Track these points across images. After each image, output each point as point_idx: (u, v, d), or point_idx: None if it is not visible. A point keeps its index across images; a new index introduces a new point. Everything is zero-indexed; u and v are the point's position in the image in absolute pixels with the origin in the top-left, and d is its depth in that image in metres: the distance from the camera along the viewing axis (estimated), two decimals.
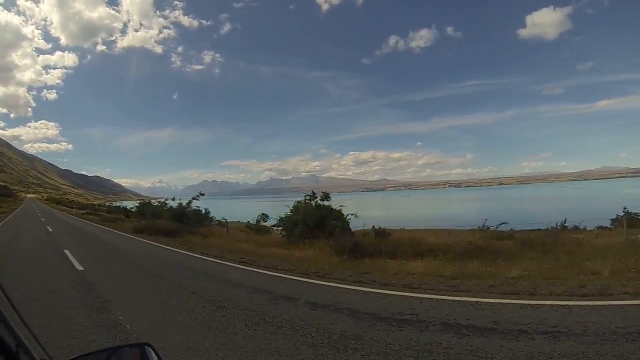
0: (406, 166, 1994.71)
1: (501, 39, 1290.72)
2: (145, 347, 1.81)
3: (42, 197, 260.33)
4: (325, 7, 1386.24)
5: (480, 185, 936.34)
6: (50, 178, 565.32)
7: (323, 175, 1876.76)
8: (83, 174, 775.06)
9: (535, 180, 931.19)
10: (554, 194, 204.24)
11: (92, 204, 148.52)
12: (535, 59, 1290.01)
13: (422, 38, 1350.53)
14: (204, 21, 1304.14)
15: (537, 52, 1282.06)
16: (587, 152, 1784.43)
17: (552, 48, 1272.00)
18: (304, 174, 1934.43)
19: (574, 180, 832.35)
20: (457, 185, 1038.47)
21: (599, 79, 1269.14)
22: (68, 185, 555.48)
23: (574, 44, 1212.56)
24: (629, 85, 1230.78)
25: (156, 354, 1.79)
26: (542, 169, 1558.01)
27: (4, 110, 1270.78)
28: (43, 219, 43.32)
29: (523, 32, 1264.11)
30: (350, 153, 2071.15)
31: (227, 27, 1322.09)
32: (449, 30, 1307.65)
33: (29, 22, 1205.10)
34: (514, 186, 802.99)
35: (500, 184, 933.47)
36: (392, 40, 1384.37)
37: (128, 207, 60.29)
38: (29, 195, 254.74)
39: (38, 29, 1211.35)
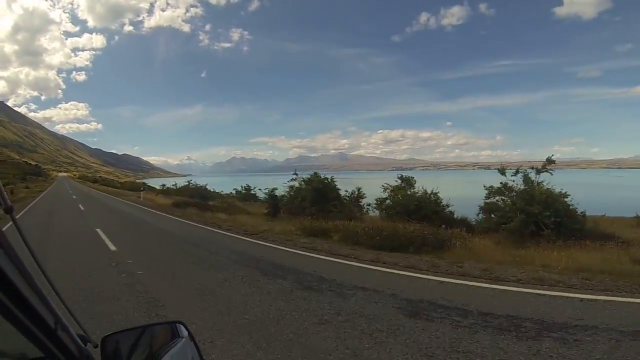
0: (434, 146, 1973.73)
1: (536, 17, 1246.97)
2: (177, 324, 1.87)
3: (75, 175, 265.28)
4: None
5: (510, 169, 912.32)
6: (81, 157, 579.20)
7: (352, 153, 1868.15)
8: (113, 153, 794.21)
9: (567, 166, 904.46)
10: (597, 181, 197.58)
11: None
12: (571, 40, 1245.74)
13: (453, 15, 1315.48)
14: None
15: (573, 32, 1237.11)
16: (621, 139, 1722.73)
17: (589, 28, 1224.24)
18: (332, 151, 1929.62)
19: (607, 167, 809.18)
20: (487, 167, 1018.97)
21: (638, 62, 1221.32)
22: (98, 164, 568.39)
23: (613, 24, 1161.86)
24: None
25: (188, 331, 1.85)
26: (574, 154, 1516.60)
27: (35, 93, 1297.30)
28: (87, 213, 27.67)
29: (560, 11, 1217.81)
30: (379, 131, 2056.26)
31: (255, 4, 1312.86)
32: (482, 7, 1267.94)
33: (56, 6, 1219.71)
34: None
35: (531, 168, 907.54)
36: (423, 17, 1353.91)
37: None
38: (60, 174, 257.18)
39: (65, 13, 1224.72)
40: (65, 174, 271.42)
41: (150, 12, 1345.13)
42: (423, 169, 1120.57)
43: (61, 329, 1.06)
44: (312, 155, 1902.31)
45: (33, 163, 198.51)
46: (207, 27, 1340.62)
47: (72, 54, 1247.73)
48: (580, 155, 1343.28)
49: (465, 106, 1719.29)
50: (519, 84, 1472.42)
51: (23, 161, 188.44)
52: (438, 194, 18.39)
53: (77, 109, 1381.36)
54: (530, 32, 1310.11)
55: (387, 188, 20.73)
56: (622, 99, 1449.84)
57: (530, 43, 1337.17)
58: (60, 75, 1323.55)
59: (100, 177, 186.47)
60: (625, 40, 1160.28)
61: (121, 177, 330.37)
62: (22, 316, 0.87)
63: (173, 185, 49.25)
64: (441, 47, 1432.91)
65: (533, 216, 13.27)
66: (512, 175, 17.25)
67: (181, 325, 1.87)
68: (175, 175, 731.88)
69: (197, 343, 1.88)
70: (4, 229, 0.77)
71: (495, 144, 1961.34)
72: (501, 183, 17.29)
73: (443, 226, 14.31)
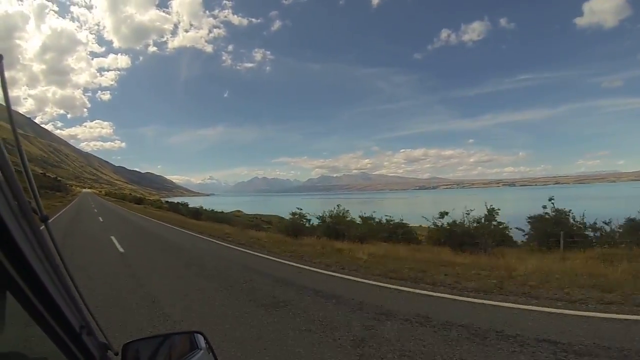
0: (457, 164, 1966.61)
1: (557, 29, 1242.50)
2: (197, 334, 1.90)
3: (100, 191, 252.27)
4: (375, 1, 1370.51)
5: (536, 184, 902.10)
6: (105, 174, 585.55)
7: (374, 173, 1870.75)
8: (136, 171, 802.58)
9: (594, 180, 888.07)
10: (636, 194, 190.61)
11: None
12: (593, 50, 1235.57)
13: (474, 31, 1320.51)
14: (253, 19, 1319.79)
15: (595, 42, 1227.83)
16: None
17: (611, 37, 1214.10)
18: (354, 171, 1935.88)
19: (635, 180, 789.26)
20: (511, 184, 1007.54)
21: None
22: (122, 181, 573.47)
23: (635, 31, 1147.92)
24: None
25: (207, 341, 1.88)
26: (599, 167, 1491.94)
27: (62, 111, 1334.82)
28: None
29: (580, 21, 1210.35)
30: (402, 150, 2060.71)
31: (277, 25, 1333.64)
32: (503, 22, 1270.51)
33: (83, 28, 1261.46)
34: (573, 185, 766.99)
35: (557, 183, 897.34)
36: (444, 34, 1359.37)
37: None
38: (84, 190, 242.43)
39: (92, 34, 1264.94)
40: (89, 190, 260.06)
41: (174, 33, 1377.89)
42: (447, 187, 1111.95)
43: (86, 333, 1.09)
44: (335, 175, 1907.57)
45: (52, 176, 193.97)
46: (230, 47, 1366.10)
47: (98, 74, 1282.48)
48: (606, 169, 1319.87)
49: (487, 123, 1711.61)
50: (541, 98, 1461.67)
51: (40, 173, 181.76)
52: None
53: (102, 128, 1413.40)
54: (551, 44, 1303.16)
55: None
56: None
57: (551, 55, 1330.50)
58: (86, 94, 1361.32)
59: (140, 196, 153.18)
60: None
61: (150, 195, 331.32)
62: (49, 317, 0.90)
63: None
64: (462, 64, 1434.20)
65: None
66: None
67: (201, 336, 1.89)
68: (197, 194, 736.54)
69: (216, 354, 1.90)
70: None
71: (518, 160, 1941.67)
72: None
73: None
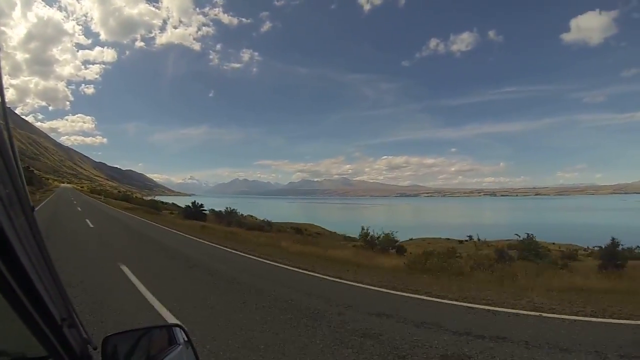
0: (438, 172, 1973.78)
1: (544, 43, 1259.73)
2: (176, 328, 1.90)
3: (82, 187, 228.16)
4: (367, 7, 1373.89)
5: (517, 195, 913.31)
6: (85, 169, 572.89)
7: (355, 179, 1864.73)
8: (117, 168, 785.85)
9: (574, 192, 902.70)
10: (627, 206, 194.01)
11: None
12: (577, 65, 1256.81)
13: (463, 42, 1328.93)
14: (244, 19, 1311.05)
15: (580, 58, 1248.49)
16: (625, 164, 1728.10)
17: (595, 54, 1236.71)
18: (335, 176, 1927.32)
19: (613, 193, 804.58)
20: (492, 193, 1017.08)
21: None
22: (102, 177, 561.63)
23: (619, 49, 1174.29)
24: None
25: (186, 335, 1.89)
26: (577, 180, 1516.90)
27: (43, 103, 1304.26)
28: None
29: (567, 37, 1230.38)
30: (384, 157, 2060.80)
31: (267, 26, 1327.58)
32: (491, 34, 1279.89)
33: (70, 18, 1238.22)
34: (553, 197, 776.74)
35: (537, 194, 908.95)
36: (433, 43, 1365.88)
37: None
38: (62, 185, 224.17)
39: (79, 25, 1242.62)
40: (68, 185, 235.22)
41: (162, 28, 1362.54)
42: (428, 196, 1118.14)
43: (67, 326, 1.07)
44: (316, 179, 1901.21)
45: (23, 166, 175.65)
46: (218, 46, 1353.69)
47: (83, 67, 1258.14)
48: (583, 181, 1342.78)
49: (470, 132, 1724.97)
50: (524, 111, 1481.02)
51: None
52: None
53: (84, 122, 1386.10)
54: (536, 58, 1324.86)
55: None
56: (626, 124, 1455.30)
57: (536, 69, 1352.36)
58: (69, 87, 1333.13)
59: (134, 195, 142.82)
60: (630, 65, 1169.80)
61: (134, 194, 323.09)
62: (32, 309, 0.88)
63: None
64: (448, 73, 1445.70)
65: None
66: None
67: (180, 330, 1.89)
68: (178, 194, 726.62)
69: (195, 348, 1.89)
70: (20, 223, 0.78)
71: (499, 170, 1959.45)
72: None
73: None
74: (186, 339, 1.87)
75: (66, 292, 1.09)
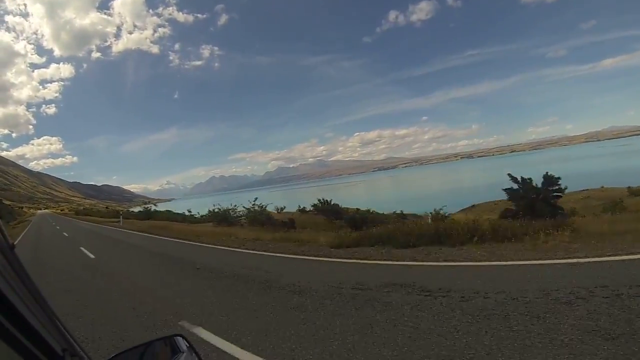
0: (412, 142, 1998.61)
1: (502, 4, 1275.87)
2: (177, 338, 1.91)
3: (60, 210, 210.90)
4: None
5: (493, 155, 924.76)
6: (60, 191, 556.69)
7: (330, 159, 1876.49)
8: (92, 184, 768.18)
9: (548, 145, 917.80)
10: (610, 152, 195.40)
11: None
12: (537, 23, 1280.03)
13: (422, 11, 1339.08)
14: (199, 15, 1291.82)
15: (539, 14, 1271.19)
16: (593, 113, 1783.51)
17: (554, 9, 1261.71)
18: (310, 159, 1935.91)
19: (586, 142, 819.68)
20: (469, 156, 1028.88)
21: (603, 37, 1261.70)
22: (79, 197, 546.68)
23: (577, 3, 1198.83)
24: (633, 41, 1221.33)
25: (188, 342, 1.89)
26: (549, 133, 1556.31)
27: (6, 131, 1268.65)
28: None
29: None
30: (356, 134, 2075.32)
31: (223, 19, 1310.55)
32: (449, 0, 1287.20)
33: (20, 38, 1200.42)
34: (529, 152, 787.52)
35: (513, 151, 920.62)
36: (392, 15, 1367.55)
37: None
38: (39, 212, 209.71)
39: (30, 44, 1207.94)
40: (46, 211, 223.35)
41: (117, 35, 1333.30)
42: (405, 166, 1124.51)
43: (70, 355, 1.06)
44: (291, 165, 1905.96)
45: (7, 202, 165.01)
46: (177, 46, 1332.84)
47: (41, 87, 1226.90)
48: (555, 134, 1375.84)
49: (439, 99, 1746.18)
50: (490, 72, 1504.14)
51: None
52: None
53: (51, 144, 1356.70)
54: (497, 20, 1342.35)
55: None
56: (590, 74, 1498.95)
57: (497, 30, 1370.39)
58: (29, 110, 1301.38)
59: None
60: (588, 18, 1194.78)
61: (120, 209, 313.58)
62: (30, 345, 0.87)
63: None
64: (411, 44, 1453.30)
65: None
66: None
67: (181, 338, 1.90)
68: (158, 200, 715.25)
69: (199, 353, 1.90)
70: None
71: (472, 133, 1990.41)
72: None
73: None
74: (188, 346, 1.87)
75: (63, 323, 1.08)
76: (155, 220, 44.64)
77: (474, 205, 51.34)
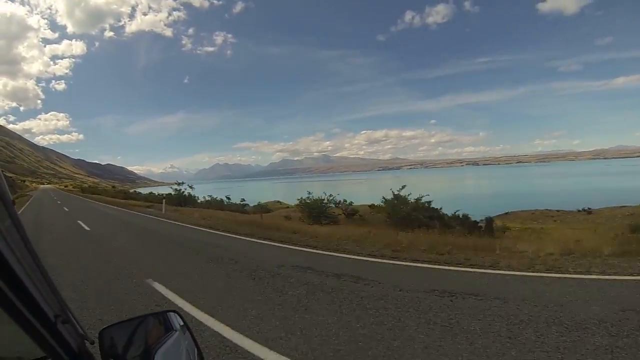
0: (418, 144, 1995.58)
1: (519, 13, 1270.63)
2: (172, 314, 1.91)
3: (65, 186, 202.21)
4: None
5: (499, 163, 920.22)
6: (64, 168, 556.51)
7: (335, 155, 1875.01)
8: (96, 163, 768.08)
9: (554, 159, 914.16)
10: (622, 170, 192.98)
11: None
12: (553, 34, 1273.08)
13: (438, 13, 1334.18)
14: (215, 1, 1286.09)
15: (555, 27, 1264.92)
16: (602, 130, 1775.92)
17: (571, 23, 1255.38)
18: (315, 154, 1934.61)
19: (593, 159, 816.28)
20: (474, 163, 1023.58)
21: (617, 54, 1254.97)
22: (82, 174, 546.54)
23: (594, 18, 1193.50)
24: None
25: (182, 319, 1.89)
26: (555, 147, 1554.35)
27: (14, 104, 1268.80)
28: None
29: (542, 7, 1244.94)
30: (363, 132, 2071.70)
31: (239, 6, 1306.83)
32: (467, 5, 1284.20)
33: (34, 12, 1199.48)
34: (535, 164, 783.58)
35: (519, 162, 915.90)
36: (409, 16, 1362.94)
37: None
38: (42, 187, 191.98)
39: (44, 18, 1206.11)
40: (49, 186, 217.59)
41: (131, 16, 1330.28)
42: (410, 168, 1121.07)
43: (62, 322, 1.05)
44: (296, 158, 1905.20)
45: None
46: (190, 31, 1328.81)
47: (51, 62, 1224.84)
48: (562, 148, 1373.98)
49: (448, 104, 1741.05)
50: (501, 80, 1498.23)
51: None
52: None
53: (58, 120, 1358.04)
54: (513, 29, 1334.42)
55: None
56: (601, 91, 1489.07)
57: (512, 39, 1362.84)
58: (39, 84, 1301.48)
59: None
60: (605, 34, 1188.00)
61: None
62: (24, 309, 0.87)
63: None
64: (425, 46, 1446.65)
65: None
66: None
67: (176, 315, 1.91)
68: (161, 184, 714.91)
69: (193, 331, 1.91)
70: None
71: (478, 140, 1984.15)
72: None
73: None
74: (182, 323, 1.88)
75: (57, 289, 1.07)
76: (195, 207, 33.80)
77: (507, 213, 49.72)
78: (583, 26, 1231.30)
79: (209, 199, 42.06)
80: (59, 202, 47.46)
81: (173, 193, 40.45)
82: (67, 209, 33.74)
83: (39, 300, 0.91)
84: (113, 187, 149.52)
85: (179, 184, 41.23)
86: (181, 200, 38.99)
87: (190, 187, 41.29)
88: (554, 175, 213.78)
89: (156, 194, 60.20)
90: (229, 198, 41.74)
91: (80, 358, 1.16)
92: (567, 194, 72.34)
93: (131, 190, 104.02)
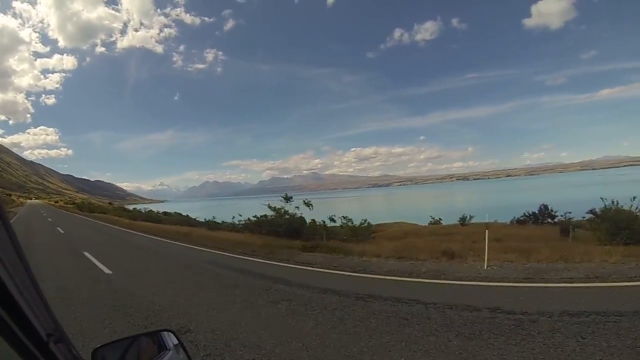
0: (407, 161, 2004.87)
1: (506, 29, 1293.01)
2: (166, 333, 1.88)
3: (55, 202, 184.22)
4: (330, 0, 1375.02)
5: (489, 178, 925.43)
6: (53, 183, 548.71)
7: (325, 173, 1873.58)
8: (85, 179, 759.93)
9: (543, 171, 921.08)
10: (614, 180, 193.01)
11: None
12: (539, 49, 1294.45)
13: (427, 31, 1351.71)
14: (206, 18, 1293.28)
15: (541, 42, 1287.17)
16: (588, 142, 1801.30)
17: (556, 38, 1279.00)
18: (305, 172, 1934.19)
19: (581, 170, 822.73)
20: (464, 178, 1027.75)
21: (601, 67, 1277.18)
22: (71, 190, 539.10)
23: (578, 32, 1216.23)
24: (631, 73, 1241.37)
25: (177, 338, 1.86)
26: (544, 160, 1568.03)
27: (3, 117, 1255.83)
28: None
29: (528, 22, 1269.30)
30: (352, 149, 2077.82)
31: (230, 24, 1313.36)
32: (455, 22, 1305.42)
33: (26, 25, 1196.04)
34: (525, 178, 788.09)
35: (509, 176, 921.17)
36: (397, 33, 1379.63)
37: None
38: (29, 202, 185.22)
39: (35, 32, 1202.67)
40: (37, 202, 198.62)
41: (123, 32, 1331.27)
42: (400, 184, 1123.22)
43: (54, 341, 1.01)
44: (285, 176, 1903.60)
45: None
46: (181, 47, 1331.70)
47: (42, 76, 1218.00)
48: (550, 160, 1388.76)
49: (436, 120, 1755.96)
50: (488, 96, 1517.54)
51: None
52: None
53: (47, 134, 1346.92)
54: (500, 44, 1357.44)
55: None
56: (588, 104, 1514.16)
57: (500, 55, 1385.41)
58: (29, 98, 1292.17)
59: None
60: (589, 48, 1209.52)
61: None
62: (15, 327, 0.83)
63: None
64: (413, 63, 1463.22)
65: None
66: None
67: (170, 334, 1.86)
68: (150, 201, 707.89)
69: (188, 351, 1.84)
70: None
71: (467, 155, 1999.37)
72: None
73: None
74: (176, 342, 1.83)
75: (49, 306, 1.03)
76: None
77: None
78: (568, 40, 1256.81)
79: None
80: (62, 231, 28.69)
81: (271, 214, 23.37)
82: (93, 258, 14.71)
83: (31, 318, 0.87)
84: (110, 204, 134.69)
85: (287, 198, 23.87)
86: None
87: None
88: (550, 186, 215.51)
89: (173, 213, 51.31)
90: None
91: None
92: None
93: (131, 208, 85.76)
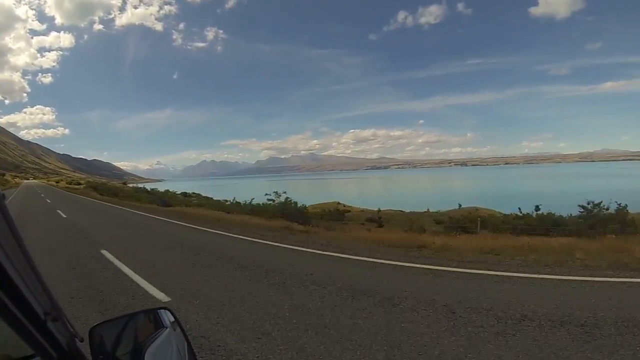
0: (405, 144, 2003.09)
1: (512, 16, 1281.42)
2: (163, 311, 1.90)
3: (57, 183, 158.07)
4: None
5: (487, 164, 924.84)
6: (49, 163, 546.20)
7: (322, 154, 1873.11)
8: (82, 158, 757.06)
9: (542, 161, 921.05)
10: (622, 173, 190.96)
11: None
12: (543, 38, 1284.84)
13: (431, 14, 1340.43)
14: None
15: (546, 31, 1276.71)
16: (588, 134, 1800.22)
17: (562, 27, 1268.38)
18: (303, 152, 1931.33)
19: (579, 161, 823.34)
20: (463, 163, 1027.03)
21: (606, 60, 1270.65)
22: (68, 170, 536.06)
23: (585, 23, 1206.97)
24: (636, 67, 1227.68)
25: (174, 316, 1.88)
26: (542, 149, 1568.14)
27: None
28: None
29: (535, 11, 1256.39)
30: (351, 131, 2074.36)
31: (231, 2, 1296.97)
32: (460, 6, 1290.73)
33: (22, 2, 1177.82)
34: (523, 166, 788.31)
35: (507, 164, 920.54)
36: (401, 16, 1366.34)
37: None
38: (25, 182, 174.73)
39: (32, 9, 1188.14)
40: (34, 182, 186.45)
41: (122, 9, 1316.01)
42: (398, 167, 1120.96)
43: (52, 320, 1.02)
44: (283, 156, 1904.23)
45: None
46: (181, 25, 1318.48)
47: (39, 55, 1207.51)
48: (548, 150, 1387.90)
49: (436, 105, 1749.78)
50: (490, 82, 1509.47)
51: None
52: None
53: (43, 114, 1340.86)
54: (505, 31, 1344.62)
55: None
56: (590, 96, 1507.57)
57: (504, 42, 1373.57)
58: (25, 77, 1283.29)
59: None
60: (595, 39, 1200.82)
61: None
62: (12, 306, 0.84)
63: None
64: (415, 46, 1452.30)
65: None
66: None
67: (167, 312, 1.89)
68: (147, 180, 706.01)
69: (184, 328, 1.87)
70: None
71: (466, 141, 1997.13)
72: None
73: None
74: (173, 320, 1.86)
75: (47, 286, 1.03)
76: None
77: None
78: (574, 31, 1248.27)
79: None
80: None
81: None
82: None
83: (29, 297, 0.88)
84: (124, 184, 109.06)
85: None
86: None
87: None
88: (555, 176, 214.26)
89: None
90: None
91: (70, 356, 1.13)
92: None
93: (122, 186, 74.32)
